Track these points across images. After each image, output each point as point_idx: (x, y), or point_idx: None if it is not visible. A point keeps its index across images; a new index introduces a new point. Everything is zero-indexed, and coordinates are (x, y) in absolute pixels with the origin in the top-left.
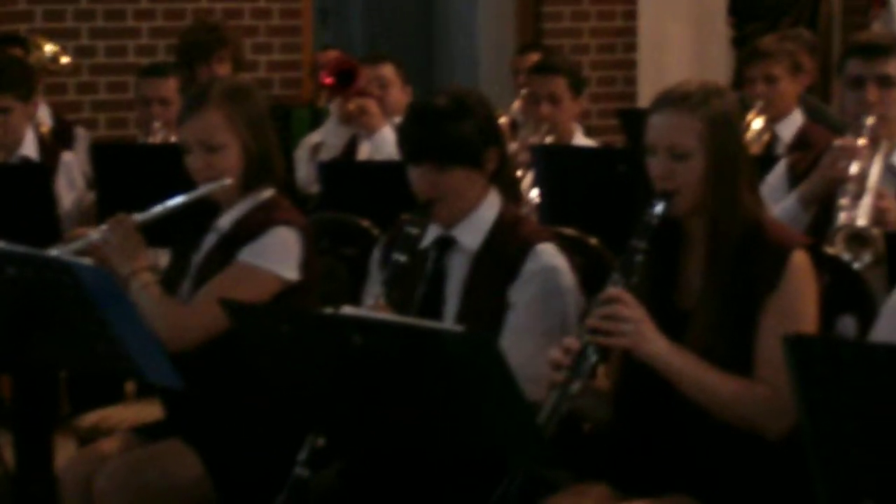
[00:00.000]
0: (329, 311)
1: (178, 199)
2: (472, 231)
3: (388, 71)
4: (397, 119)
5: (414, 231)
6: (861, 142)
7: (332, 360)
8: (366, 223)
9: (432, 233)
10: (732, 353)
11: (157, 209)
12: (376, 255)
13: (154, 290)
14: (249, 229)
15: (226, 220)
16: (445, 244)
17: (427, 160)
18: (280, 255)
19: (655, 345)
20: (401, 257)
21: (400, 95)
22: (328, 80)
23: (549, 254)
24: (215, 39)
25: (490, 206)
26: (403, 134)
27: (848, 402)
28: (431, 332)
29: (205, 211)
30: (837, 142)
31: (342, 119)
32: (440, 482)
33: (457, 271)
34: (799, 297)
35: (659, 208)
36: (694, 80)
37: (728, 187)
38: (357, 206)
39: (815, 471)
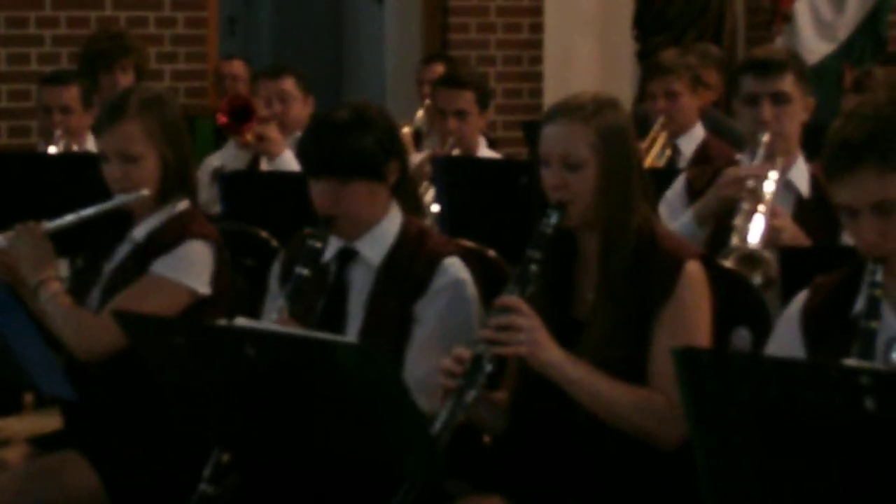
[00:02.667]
0: (223, 322)
1: (91, 209)
2: (375, 244)
3: (288, 85)
4: (299, 133)
5: (316, 244)
6: (756, 162)
7: (227, 373)
8: (265, 234)
9: (334, 245)
10: (627, 364)
11: (68, 218)
12: (276, 269)
13: (64, 299)
14: (163, 241)
15: (140, 231)
16: (347, 256)
17: (327, 174)
18: (193, 268)
19: (551, 354)
20: (303, 271)
21: (301, 109)
22: (223, 120)
23: (455, 267)
24: (118, 48)
25: (393, 219)
26: (303, 148)
27: (736, 414)
28: (324, 344)
29: (118, 220)
30: (731, 169)
31: (242, 145)
32: (337, 494)
33: (360, 285)
34: (692, 307)
35: (553, 219)
36: (588, 92)
37: (621, 198)
38: (257, 218)
39: (703, 482)
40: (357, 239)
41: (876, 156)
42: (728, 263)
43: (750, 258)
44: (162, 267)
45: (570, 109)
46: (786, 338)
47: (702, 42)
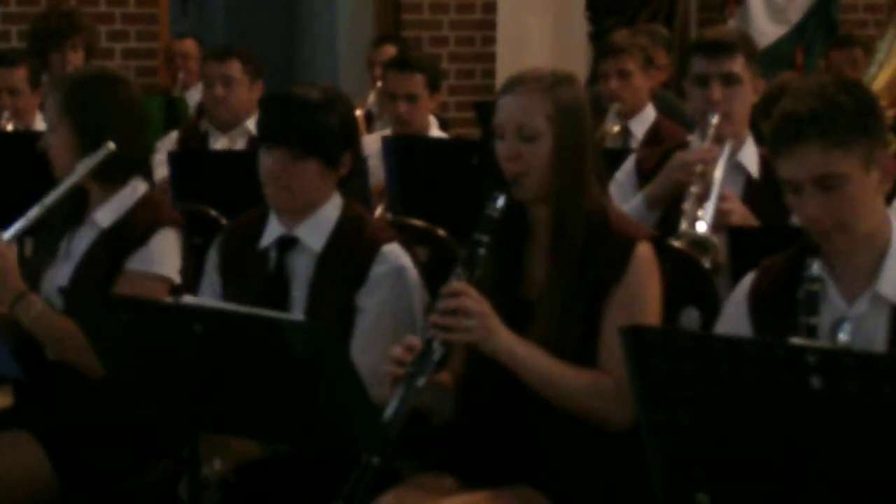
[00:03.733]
0: (169, 300)
1: (51, 196)
2: (316, 231)
3: (234, 68)
4: (250, 119)
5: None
6: (705, 145)
7: (174, 351)
8: (214, 213)
9: (273, 232)
10: (578, 345)
11: (20, 223)
12: (213, 256)
13: (47, 313)
14: (135, 233)
15: (104, 216)
16: (287, 244)
17: (285, 145)
18: (167, 259)
19: (500, 338)
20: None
21: (246, 94)
22: None
23: (395, 254)
24: (68, 26)
25: (333, 206)
26: (265, 116)
27: (684, 393)
28: (272, 321)
29: (73, 199)
30: (680, 154)
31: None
32: (292, 474)
33: (301, 272)
34: (642, 288)
35: (500, 202)
36: (546, 67)
37: (575, 174)
38: (206, 196)
39: (651, 462)
40: (297, 226)
41: (818, 131)
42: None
43: (698, 243)
44: (139, 263)
45: (526, 81)
46: (734, 318)
47: (654, 24)
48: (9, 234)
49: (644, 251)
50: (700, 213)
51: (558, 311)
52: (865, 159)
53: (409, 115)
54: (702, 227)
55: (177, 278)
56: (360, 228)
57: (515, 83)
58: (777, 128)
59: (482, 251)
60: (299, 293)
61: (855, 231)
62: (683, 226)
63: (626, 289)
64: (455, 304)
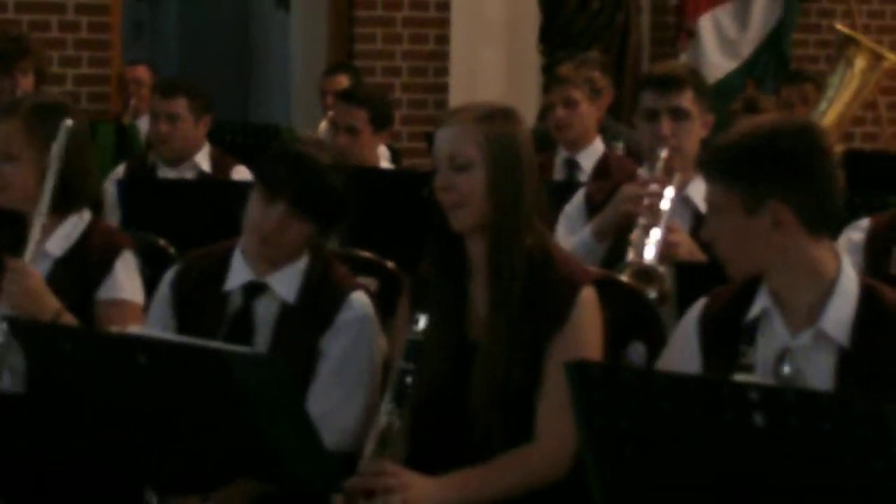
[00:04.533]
0: (115, 330)
1: (37, 221)
2: (288, 280)
3: (180, 106)
4: (199, 154)
5: None
6: (654, 177)
7: (119, 381)
8: (163, 242)
9: (240, 276)
10: (520, 387)
11: (32, 241)
12: (165, 290)
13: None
14: (94, 259)
15: (55, 245)
16: (255, 290)
17: (289, 201)
18: (133, 282)
19: (428, 501)
20: None
21: (192, 131)
22: None
23: (361, 303)
24: (17, 50)
25: (304, 255)
26: (277, 168)
27: (627, 428)
28: (217, 353)
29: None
30: (628, 186)
31: None
32: None
33: (266, 318)
34: (584, 334)
35: (420, 324)
36: (485, 101)
37: (510, 206)
38: (154, 225)
39: (596, 496)
40: (268, 273)
41: (707, 161)
42: (624, 278)
43: (645, 273)
44: (110, 291)
45: (459, 112)
46: (683, 344)
47: (605, 56)
48: (28, 254)
49: (588, 296)
50: (647, 243)
51: (500, 352)
52: (747, 204)
53: (348, 148)
54: (649, 256)
55: (139, 299)
56: (328, 275)
57: (448, 115)
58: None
59: (409, 379)
60: (263, 338)
61: (737, 265)
62: (630, 256)
63: (569, 334)
64: (374, 484)
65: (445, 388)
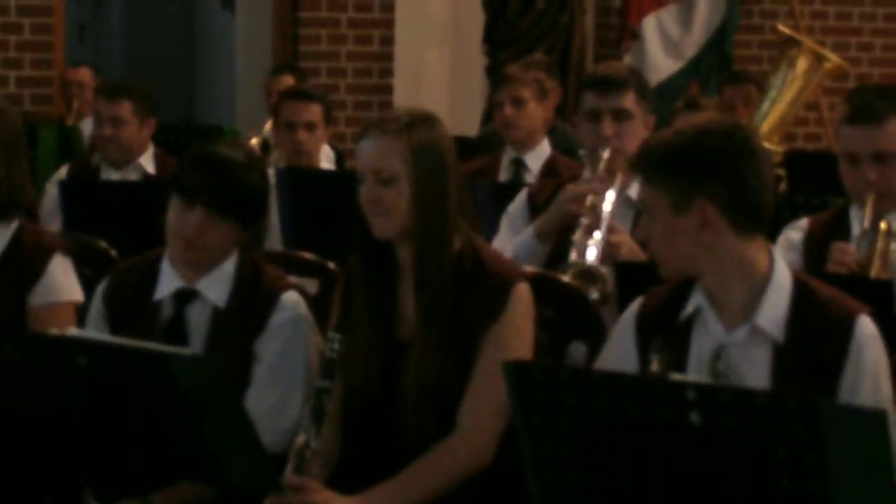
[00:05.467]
0: (54, 332)
1: None
2: (217, 285)
3: (124, 110)
4: (143, 156)
5: None
6: (596, 178)
7: (58, 383)
8: (104, 244)
9: (170, 283)
10: (452, 385)
11: None
12: (97, 303)
13: None
14: (26, 262)
15: None
16: (186, 297)
17: (208, 205)
18: (67, 282)
19: None
20: None
21: (136, 134)
22: None
23: (293, 303)
24: None
25: (232, 257)
26: (191, 173)
27: (566, 426)
28: (156, 354)
29: None
30: (571, 186)
31: None
32: None
33: (199, 324)
34: (517, 330)
35: (336, 344)
36: (404, 108)
37: (436, 214)
38: (96, 227)
39: (534, 494)
40: (197, 279)
41: (638, 161)
42: (566, 278)
43: (587, 274)
44: (44, 296)
45: (382, 123)
46: (620, 343)
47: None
48: None
49: (521, 292)
50: (589, 244)
51: (431, 352)
52: (675, 203)
53: (308, 145)
54: (591, 257)
55: (79, 297)
56: (258, 278)
57: (371, 126)
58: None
59: (326, 397)
60: (197, 345)
61: (668, 265)
62: (573, 256)
63: (502, 330)
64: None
65: (376, 389)
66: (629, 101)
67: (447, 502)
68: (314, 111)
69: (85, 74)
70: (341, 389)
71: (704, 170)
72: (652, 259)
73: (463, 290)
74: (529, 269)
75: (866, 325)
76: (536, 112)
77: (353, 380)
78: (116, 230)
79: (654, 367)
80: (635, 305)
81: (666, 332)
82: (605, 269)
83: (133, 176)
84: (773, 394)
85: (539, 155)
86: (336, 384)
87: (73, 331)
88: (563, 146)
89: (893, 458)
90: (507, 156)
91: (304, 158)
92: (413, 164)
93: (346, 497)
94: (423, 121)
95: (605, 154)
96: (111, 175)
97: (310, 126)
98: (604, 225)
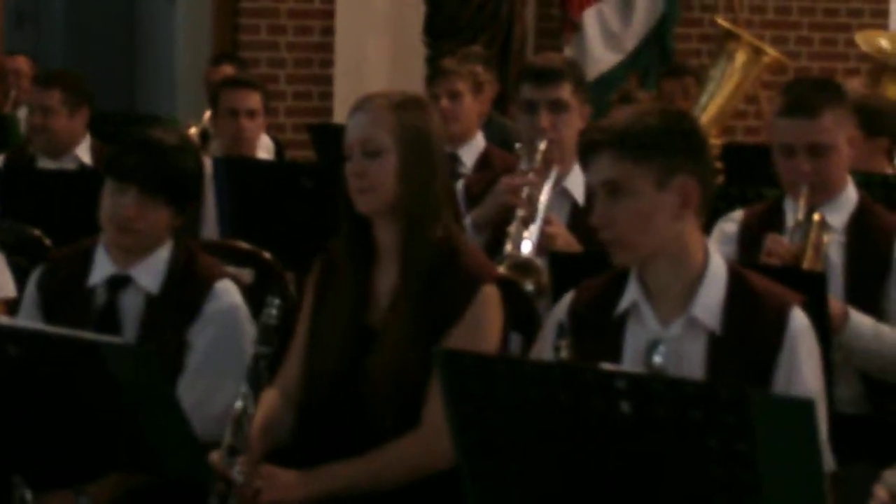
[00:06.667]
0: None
1: None
2: (151, 271)
3: (54, 99)
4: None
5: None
6: (532, 169)
7: None
8: (38, 232)
9: (103, 270)
10: (415, 375)
11: None
12: (31, 290)
13: None
14: None
15: None
16: (119, 283)
17: (142, 187)
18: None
19: (296, 495)
20: None
21: (66, 123)
22: None
23: (227, 292)
24: None
25: (167, 245)
26: (124, 156)
27: (497, 416)
28: (88, 343)
29: None
30: (506, 177)
31: None
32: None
33: (132, 311)
34: (480, 331)
35: (273, 309)
36: (400, 90)
37: (422, 196)
38: (32, 216)
39: (465, 483)
40: (130, 265)
41: (611, 140)
42: (501, 270)
43: (523, 266)
44: None
45: (372, 99)
46: (551, 336)
47: (489, 48)
48: None
49: (489, 293)
50: (525, 235)
51: (401, 339)
52: (659, 178)
53: (250, 132)
54: (526, 249)
55: (12, 292)
56: (192, 265)
57: (362, 102)
58: (581, 140)
59: (263, 363)
60: (130, 332)
61: (635, 247)
62: (508, 248)
63: (464, 330)
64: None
65: (340, 372)
66: (566, 92)
67: (404, 498)
68: (255, 99)
69: (22, 63)
70: (299, 369)
71: (684, 147)
72: (592, 250)
73: (435, 281)
74: None
75: (800, 317)
76: (472, 106)
77: (320, 364)
78: (52, 219)
79: (563, 353)
80: (567, 299)
81: (600, 326)
82: (540, 262)
83: (69, 166)
84: (704, 384)
85: (473, 149)
86: (289, 361)
87: (2, 319)
88: (499, 139)
89: (821, 446)
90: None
91: (246, 146)
92: (401, 140)
93: (289, 471)
94: (413, 102)
95: (542, 145)
96: (48, 165)
97: (251, 113)
98: (539, 216)
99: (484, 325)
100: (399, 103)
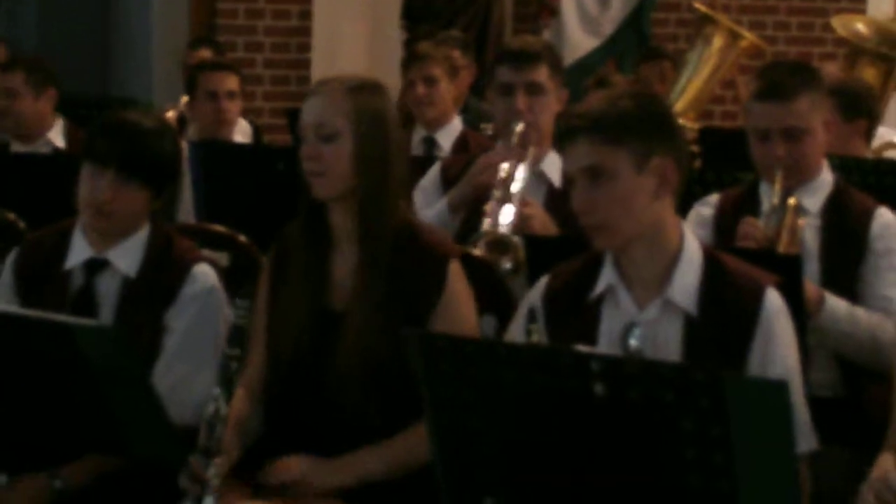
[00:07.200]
0: None
1: None
2: (128, 254)
3: (17, 81)
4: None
5: None
6: (511, 149)
7: None
8: (11, 216)
9: (80, 253)
10: (388, 355)
11: None
12: (7, 273)
13: None
14: None
15: None
16: (96, 266)
17: (119, 169)
18: None
19: (331, 480)
20: None
21: (31, 105)
22: None
23: (205, 275)
24: None
25: (144, 228)
26: (101, 139)
27: (472, 398)
28: (59, 324)
29: None
30: (483, 156)
31: None
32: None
33: (109, 295)
34: (461, 306)
35: (242, 310)
36: (355, 74)
37: (377, 179)
38: (7, 200)
39: (438, 468)
40: (108, 248)
41: (588, 125)
42: (478, 248)
43: (500, 243)
44: None
45: (327, 83)
46: (521, 320)
47: (467, 32)
48: None
49: (457, 266)
50: (502, 213)
51: (368, 322)
52: (638, 161)
53: (230, 114)
54: (503, 226)
55: None
56: (170, 249)
57: (318, 86)
58: (559, 127)
59: (235, 365)
60: (106, 315)
61: (618, 231)
62: (485, 225)
63: (446, 308)
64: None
65: (303, 357)
66: (542, 74)
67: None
68: (233, 81)
69: None
70: (261, 360)
71: (658, 129)
72: (569, 233)
73: (400, 262)
74: None
75: (775, 297)
76: (448, 90)
77: (282, 351)
78: (26, 203)
79: (535, 337)
80: (541, 284)
81: (575, 310)
82: (517, 239)
83: (43, 150)
84: (678, 366)
85: (450, 133)
86: (251, 355)
87: None
88: (476, 123)
89: (794, 428)
90: (418, 134)
91: (226, 128)
92: (355, 123)
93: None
94: (369, 86)
95: (518, 128)
96: (20, 150)
97: (231, 95)
98: (516, 197)
99: (461, 299)
100: (354, 87)
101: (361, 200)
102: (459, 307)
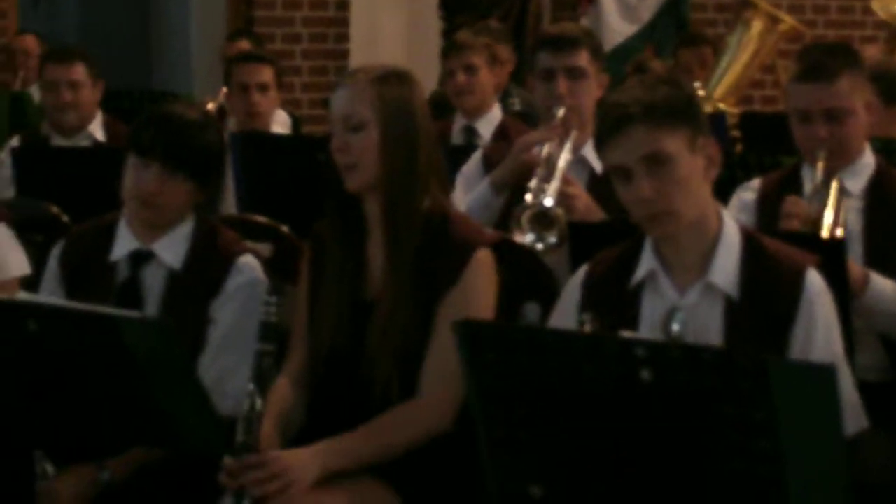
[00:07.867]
0: (2, 296)
1: None
2: (173, 247)
3: (79, 72)
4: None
5: None
6: (552, 128)
7: (9, 347)
8: (55, 210)
9: (126, 245)
10: (416, 345)
11: None
12: (52, 265)
13: None
14: None
15: None
16: (141, 258)
17: (165, 162)
18: (13, 257)
19: (314, 472)
20: None
21: (90, 95)
22: None
23: (250, 267)
24: None
25: (189, 220)
26: (147, 131)
27: (517, 386)
28: (106, 317)
29: None
30: (525, 136)
31: None
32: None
33: (154, 286)
34: (476, 294)
35: (272, 306)
36: (383, 64)
37: (405, 168)
38: (48, 193)
39: (484, 455)
40: (153, 240)
41: (642, 112)
42: (523, 221)
43: (544, 216)
44: None
45: (354, 74)
46: (566, 308)
47: (505, 22)
48: None
49: (483, 257)
50: (546, 188)
51: (398, 311)
52: (690, 143)
53: (262, 106)
54: (547, 200)
55: (26, 269)
56: (214, 241)
57: (344, 78)
58: (602, 118)
59: (268, 360)
60: (152, 307)
61: (682, 215)
62: (528, 198)
63: (460, 294)
64: (258, 475)
65: (342, 347)
66: (583, 59)
67: (406, 464)
68: (266, 73)
69: (30, 42)
70: (304, 353)
71: (696, 110)
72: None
73: (428, 250)
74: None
75: (816, 279)
76: (488, 79)
77: (321, 344)
78: (69, 196)
79: (587, 327)
80: (581, 272)
81: (616, 297)
82: (560, 211)
83: (84, 143)
84: (722, 351)
85: (490, 121)
86: (294, 349)
87: (22, 295)
88: (524, 110)
89: (841, 412)
90: (459, 123)
91: (259, 120)
92: (382, 113)
93: (298, 451)
94: (394, 75)
95: (560, 112)
96: (60, 143)
97: (263, 87)
98: (558, 175)
99: (478, 289)
100: (379, 76)
101: (388, 188)
102: (472, 299)
